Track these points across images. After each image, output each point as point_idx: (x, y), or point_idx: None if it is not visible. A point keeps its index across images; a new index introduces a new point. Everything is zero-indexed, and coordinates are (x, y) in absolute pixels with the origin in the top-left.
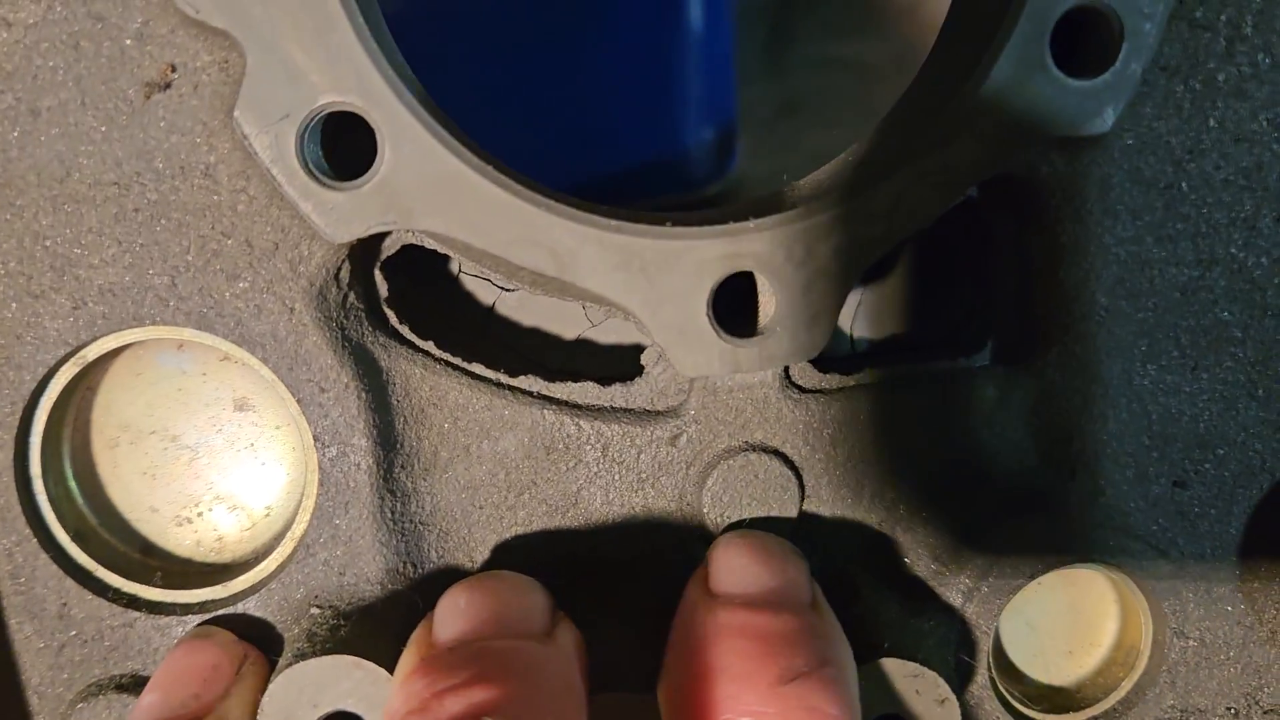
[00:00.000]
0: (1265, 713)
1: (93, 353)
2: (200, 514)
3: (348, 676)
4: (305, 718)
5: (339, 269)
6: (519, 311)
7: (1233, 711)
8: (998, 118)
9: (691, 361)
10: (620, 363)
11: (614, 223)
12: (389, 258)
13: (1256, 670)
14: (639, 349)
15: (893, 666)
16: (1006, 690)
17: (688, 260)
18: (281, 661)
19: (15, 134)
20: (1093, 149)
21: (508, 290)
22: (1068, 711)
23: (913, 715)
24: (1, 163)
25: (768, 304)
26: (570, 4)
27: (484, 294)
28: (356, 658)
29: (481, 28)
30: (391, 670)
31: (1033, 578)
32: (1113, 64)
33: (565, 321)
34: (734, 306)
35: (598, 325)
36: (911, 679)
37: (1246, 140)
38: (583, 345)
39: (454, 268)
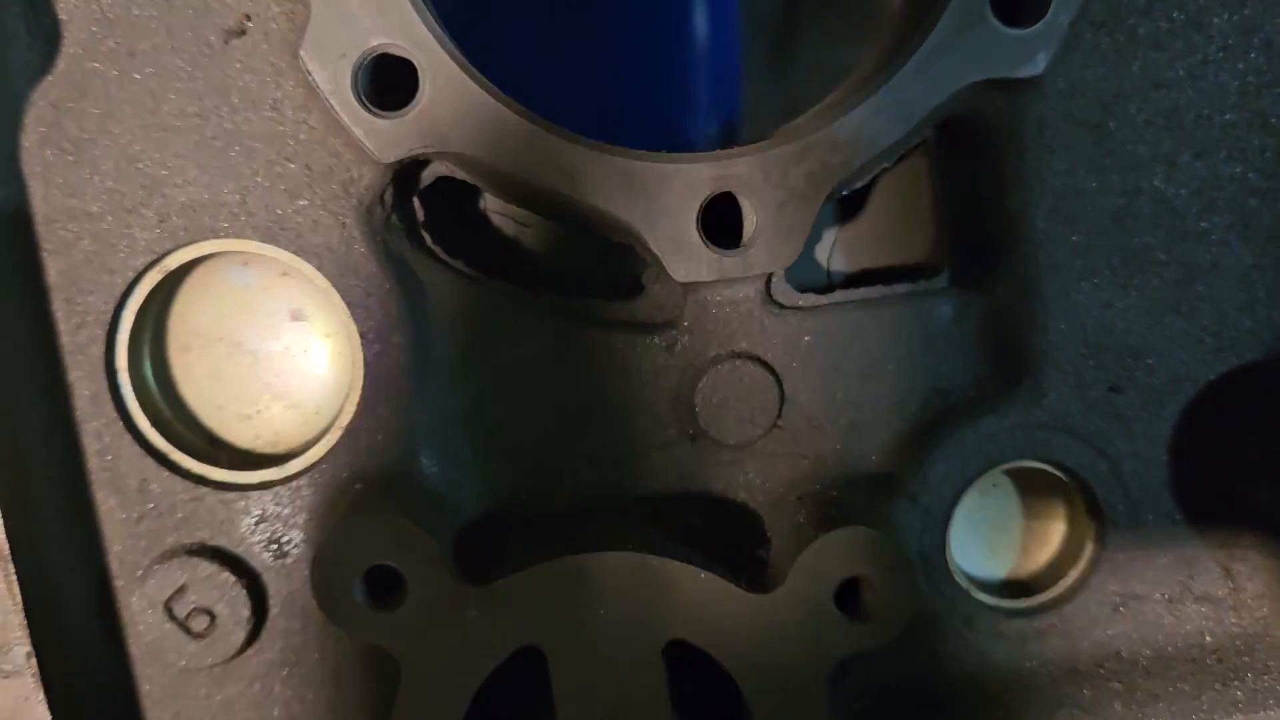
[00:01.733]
0: (1196, 599)
1: (173, 261)
2: (259, 411)
3: (389, 533)
4: (353, 569)
5: (384, 192)
6: (538, 244)
7: (1167, 597)
8: (946, 60)
9: (684, 269)
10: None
11: (618, 149)
12: (426, 187)
13: (1188, 561)
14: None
15: (860, 534)
16: (965, 577)
17: (680, 181)
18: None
19: (115, 72)
20: (1029, 91)
21: (526, 226)
22: (1020, 598)
23: (874, 578)
24: (104, 96)
25: (749, 220)
26: (583, 6)
27: (508, 229)
28: (397, 517)
29: (492, 26)
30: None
31: (983, 472)
32: (1044, 16)
33: (577, 252)
34: (722, 225)
35: (605, 257)
36: (873, 545)
37: (1165, 86)
38: (592, 274)
39: (481, 205)
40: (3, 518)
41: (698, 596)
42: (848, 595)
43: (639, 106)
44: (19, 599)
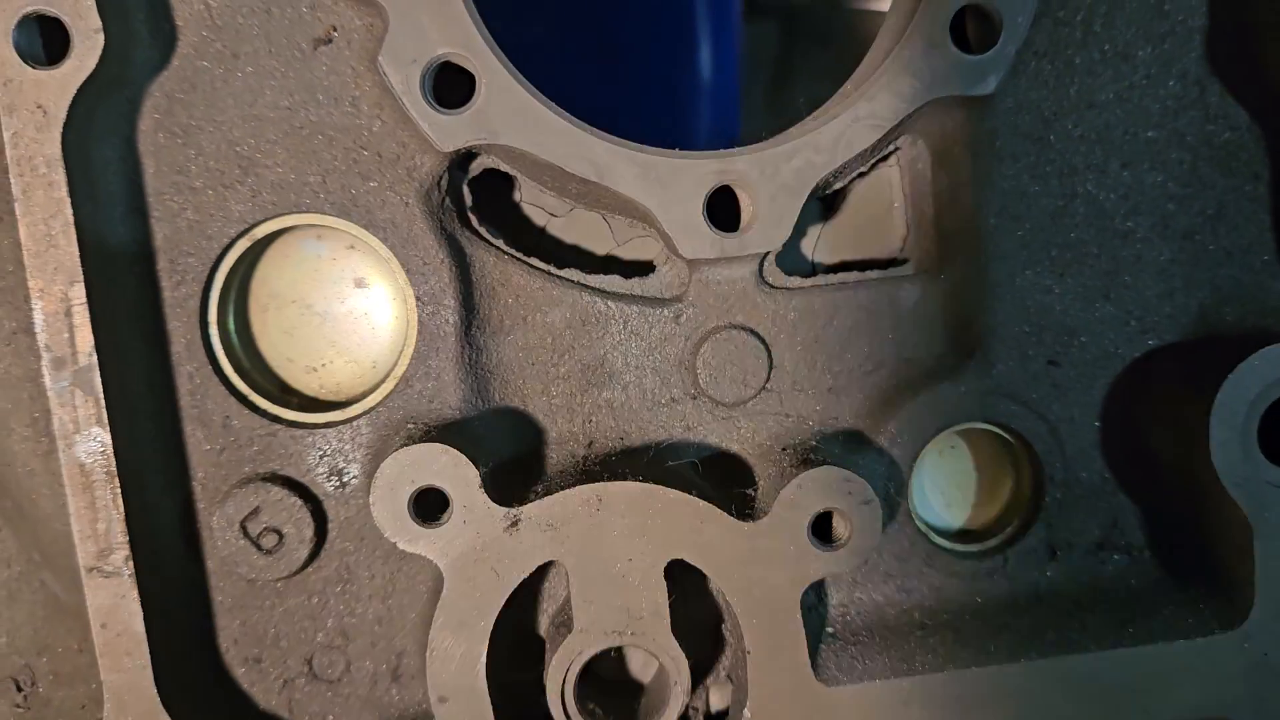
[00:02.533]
0: (1120, 547)
1: (261, 231)
2: (324, 365)
3: (436, 459)
4: (405, 489)
5: (441, 178)
6: (563, 232)
7: (1097, 544)
8: (912, 80)
9: (691, 247)
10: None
11: (638, 145)
12: (473, 178)
13: (1114, 513)
14: (649, 263)
15: (831, 472)
16: (925, 524)
17: (690, 174)
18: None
19: (220, 70)
20: (982, 108)
21: (555, 217)
22: (971, 544)
23: (844, 511)
24: (209, 90)
25: (746, 208)
26: (595, 45)
27: (538, 218)
28: (444, 445)
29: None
30: None
31: (940, 430)
32: (995, 45)
33: (597, 240)
34: (724, 215)
35: (622, 244)
36: (845, 483)
37: (1097, 106)
38: (609, 259)
39: (516, 197)
40: (112, 443)
41: (695, 522)
42: (821, 527)
43: (647, 136)
44: (122, 511)
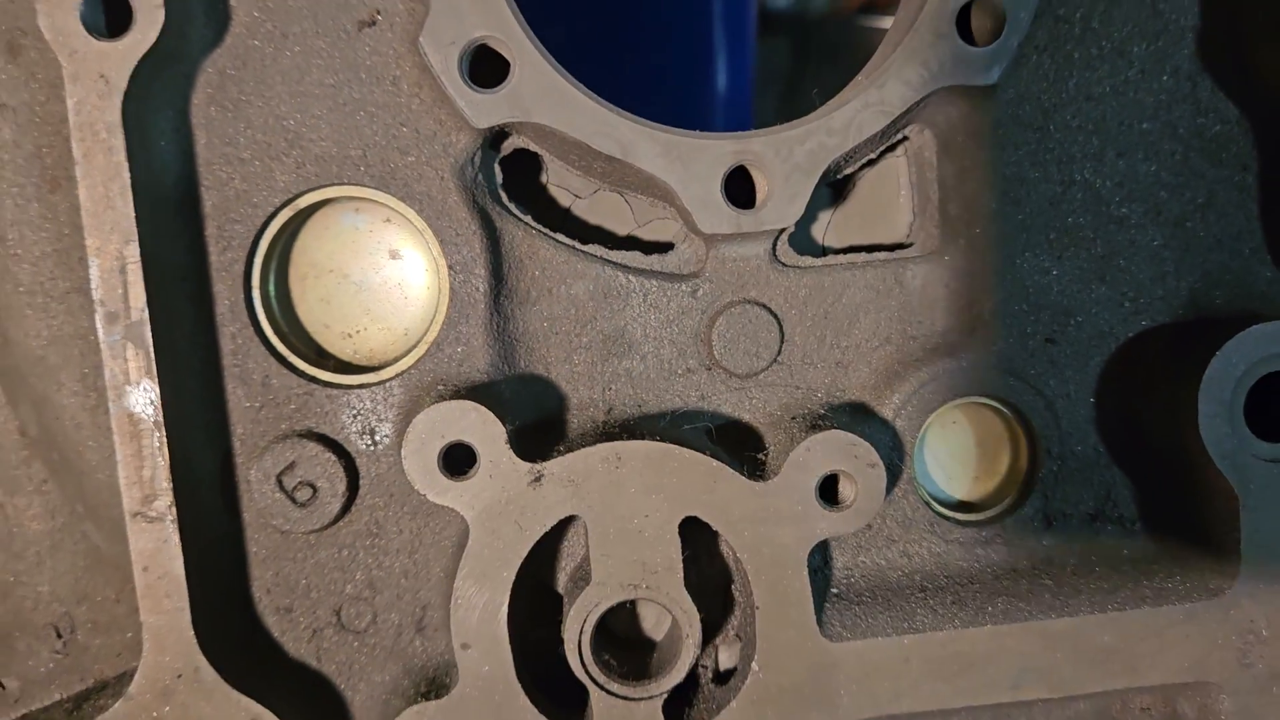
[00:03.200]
0: (1113, 518)
1: (303, 202)
2: (359, 331)
3: (465, 416)
4: (435, 444)
5: (475, 154)
6: (587, 214)
7: (1090, 515)
8: (919, 69)
9: (709, 222)
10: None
11: (662, 126)
12: (504, 157)
13: (1107, 486)
14: (668, 243)
15: (839, 436)
16: (928, 495)
17: (709, 153)
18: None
19: (270, 49)
20: (986, 98)
21: (579, 198)
22: (970, 514)
23: (850, 474)
24: (259, 68)
25: (761, 188)
26: (615, 57)
27: (564, 199)
28: (474, 401)
29: None
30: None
31: (942, 404)
32: (998, 38)
33: (618, 221)
34: (742, 195)
35: (642, 225)
36: (851, 446)
37: (1094, 99)
38: (630, 238)
39: (544, 179)
40: (160, 396)
41: (709, 481)
42: (828, 489)
43: None
44: (167, 459)
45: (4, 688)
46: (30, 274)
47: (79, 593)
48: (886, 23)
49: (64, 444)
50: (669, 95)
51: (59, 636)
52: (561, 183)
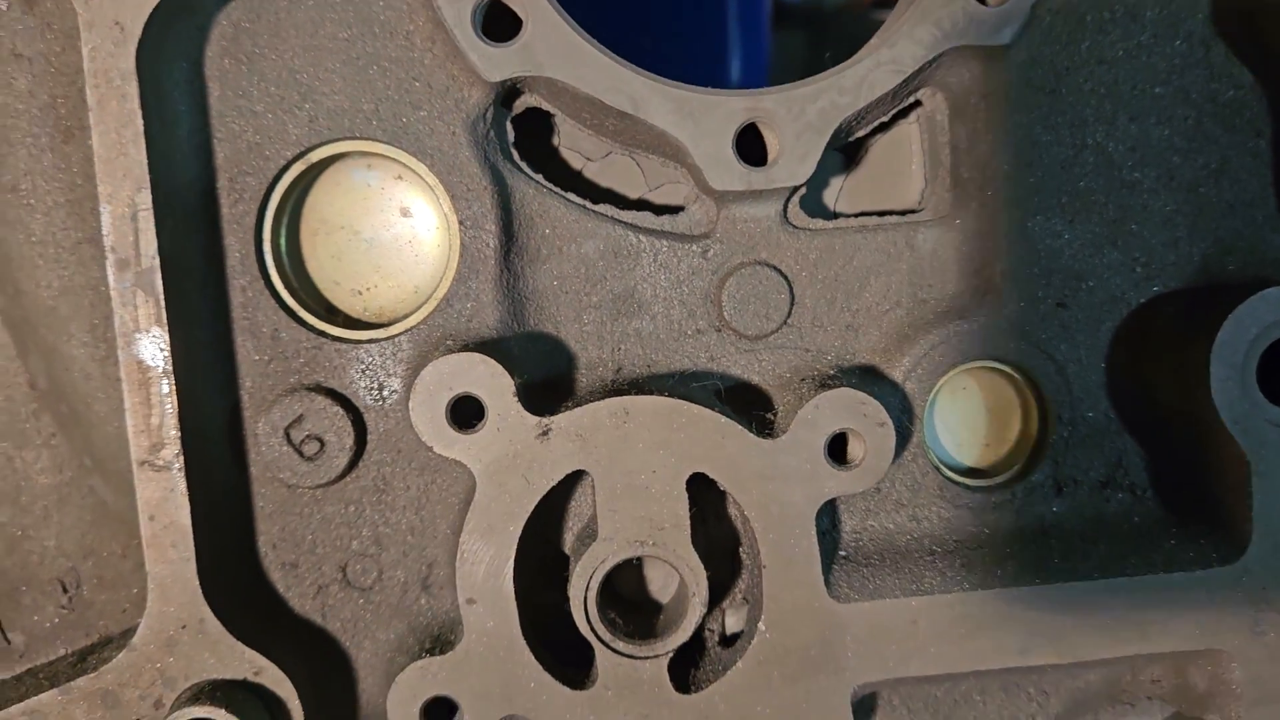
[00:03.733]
0: (1123, 486)
1: (315, 155)
2: (369, 288)
3: (474, 368)
4: (444, 396)
5: (487, 110)
6: (598, 176)
7: (1100, 482)
8: (932, 28)
9: (720, 179)
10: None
11: (674, 82)
12: (517, 115)
13: (1118, 451)
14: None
15: (849, 394)
16: (938, 460)
17: (721, 110)
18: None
19: (285, 2)
20: (998, 60)
21: (591, 161)
22: (980, 479)
23: (859, 432)
24: (273, 21)
25: (772, 146)
26: (629, 49)
27: (575, 161)
28: (482, 355)
29: None
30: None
31: (953, 367)
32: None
33: (629, 185)
34: (754, 154)
35: (653, 189)
36: (860, 405)
37: (1107, 62)
38: (641, 202)
39: (555, 140)
40: (170, 344)
41: (717, 437)
42: (837, 449)
43: None
44: (175, 408)
45: (9, 642)
46: (43, 224)
47: (85, 548)
48: None
49: (73, 396)
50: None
51: (65, 591)
52: (574, 145)
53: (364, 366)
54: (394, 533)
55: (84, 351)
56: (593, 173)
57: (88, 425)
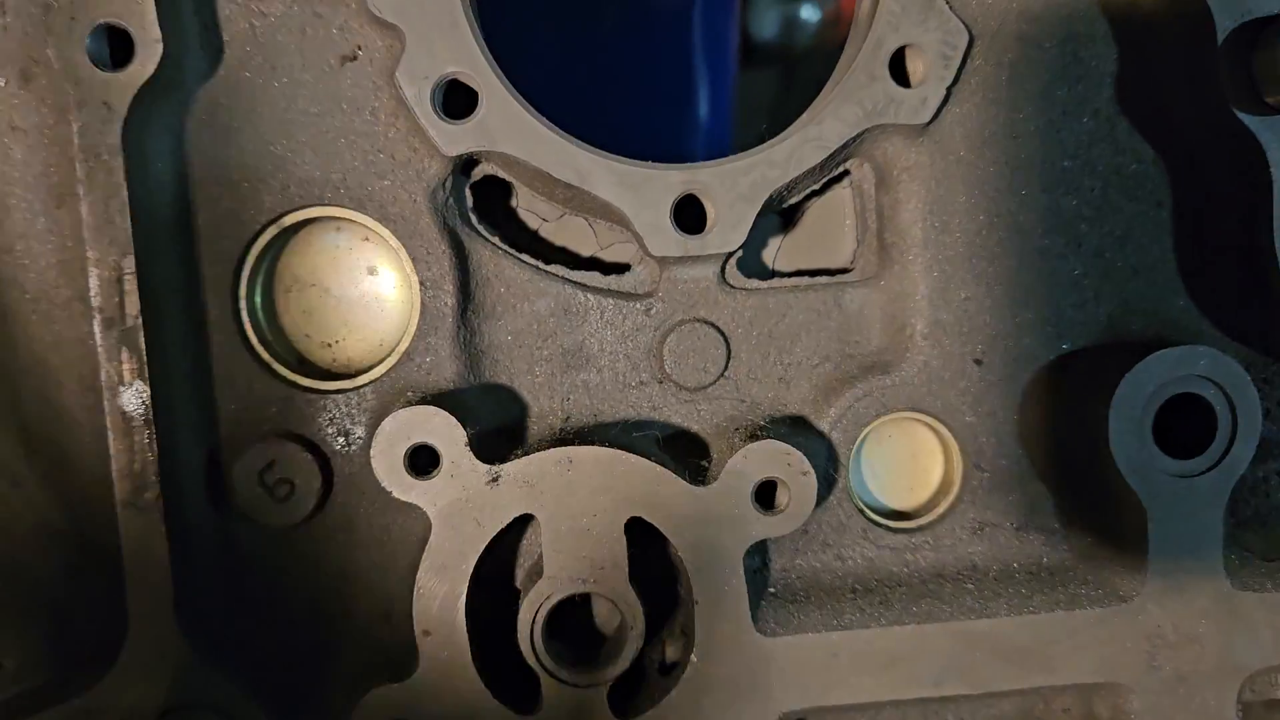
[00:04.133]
0: (1037, 529)
1: (288, 220)
2: (338, 341)
3: (430, 420)
4: (402, 445)
5: (445, 180)
6: (553, 236)
7: (1015, 526)
8: (854, 108)
9: (659, 246)
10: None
11: (616, 157)
12: (475, 183)
13: (1031, 498)
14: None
15: (774, 445)
16: (862, 503)
17: (660, 183)
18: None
19: (260, 81)
20: (918, 135)
21: (546, 221)
22: (904, 521)
23: (784, 480)
24: (250, 97)
25: (709, 214)
26: (594, 86)
27: (532, 222)
28: (437, 407)
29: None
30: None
31: (878, 417)
32: (927, 82)
33: (582, 243)
34: (692, 221)
35: (604, 249)
36: (785, 455)
37: (1019, 137)
38: (592, 259)
39: (513, 203)
40: (152, 395)
41: (653, 484)
42: (765, 495)
43: None
44: (156, 453)
45: (3, 666)
46: (35, 282)
47: (71, 582)
48: None
49: (62, 440)
50: (650, 124)
51: (53, 622)
52: (530, 207)
53: (331, 415)
54: (357, 569)
55: (72, 400)
56: (548, 232)
57: (75, 469)
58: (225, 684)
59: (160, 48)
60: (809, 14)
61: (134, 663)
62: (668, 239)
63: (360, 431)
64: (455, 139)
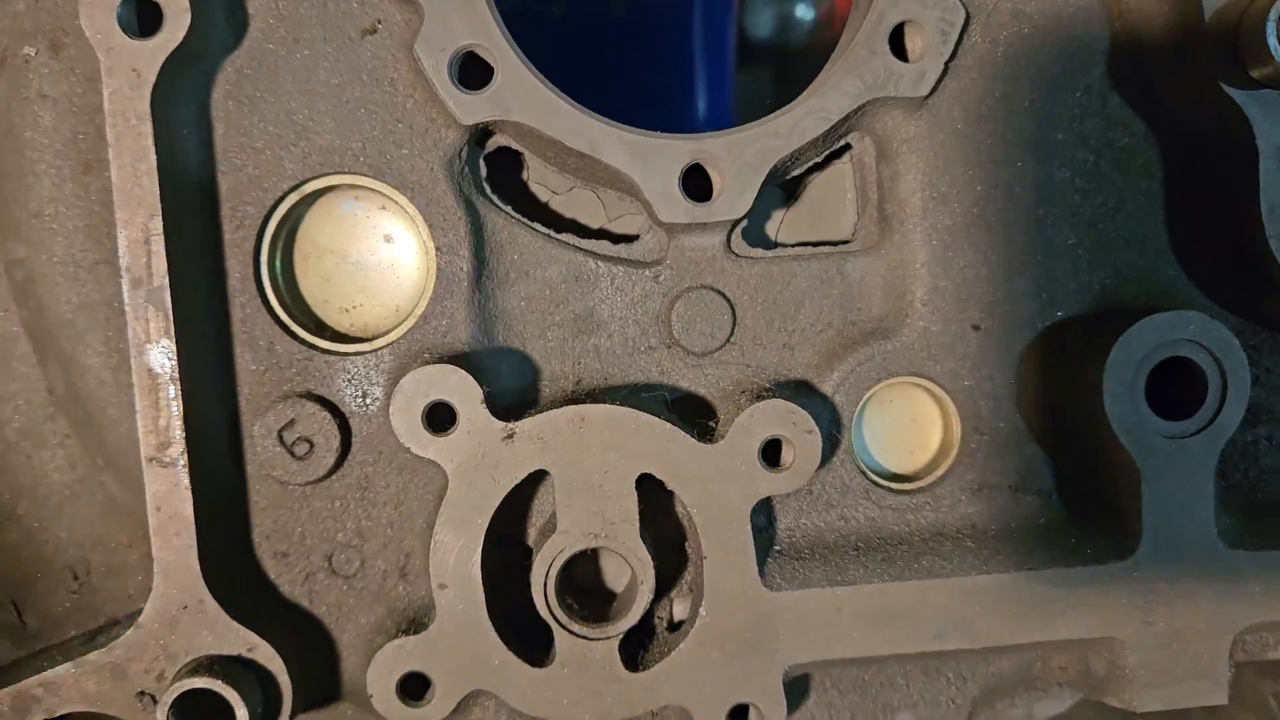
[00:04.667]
0: (1033, 490)
1: (308, 187)
2: (356, 307)
3: (447, 378)
4: (420, 403)
5: (461, 150)
6: (563, 208)
7: (1012, 486)
8: (855, 81)
9: (668, 212)
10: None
11: (627, 126)
12: (489, 154)
13: (1028, 459)
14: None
15: (780, 404)
16: (865, 465)
17: (669, 151)
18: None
19: (283, 52)
20: (917, 108)
21: (557, 194)
22: (904, 483)
23: (789, 438)
24: (272, 68)
25: (715, 183)
26: (595, 85)
27: (543, 195)
28: (455, 366)
29: None
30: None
31: (877, 382)
32: (927, 55)
33: (591, 216)
34: (699, 190)
35: (612, 220)
36: (790, 414)
37: (1015, 112)
38: (601, 231)
39: (525, 176)
40: (177, 354)
41: (663, 441)
42: (771, 454)
43: None
44: (181, 411)
45: (25, 624)
46: (63, 246)
47: (95, 539)
48: None
49: (87, 401)
50: (649, 122)
51: (75, 579)
52: (541, 180)
53: (350, 376)
54: (375, 526)
55: (98, 360)
56: (558, 205)
57: (100, 427)
58: (247, 635)
59: (188, 17)
60: (804, 13)
61: (158, 616)
62: (676, 206)
63: (378, 392)
64: (471, 108)
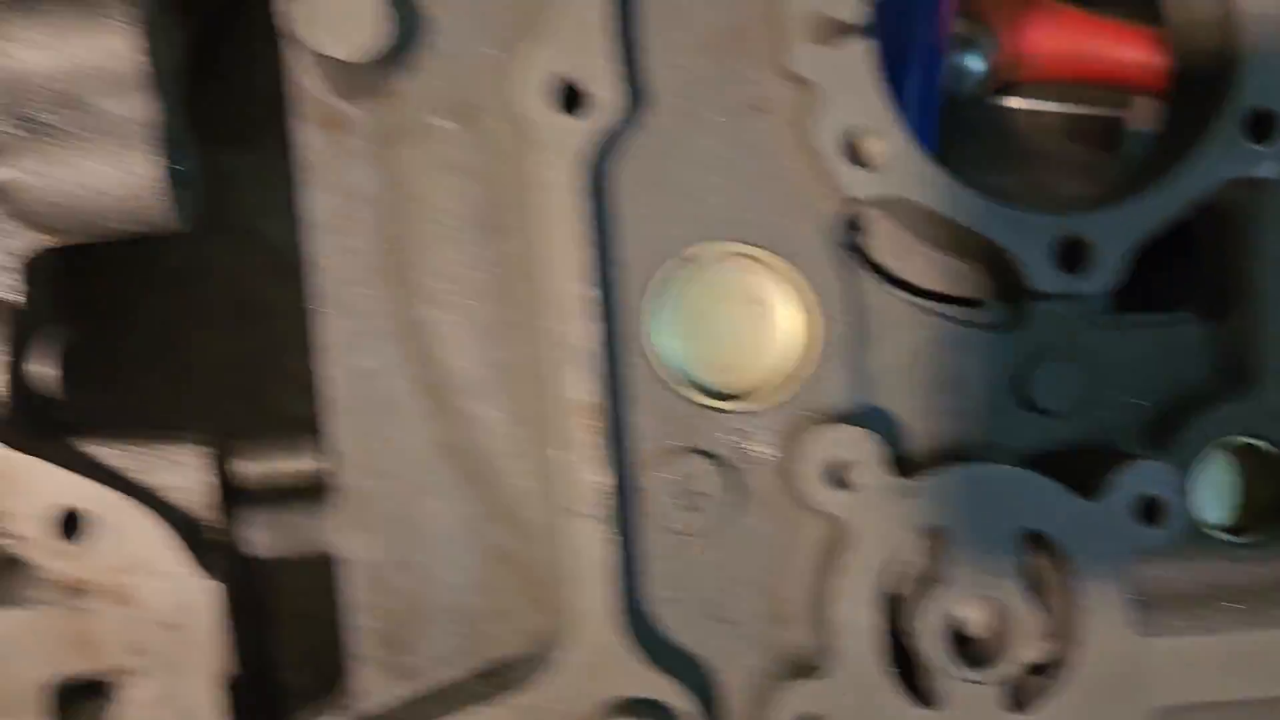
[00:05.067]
0: None
1: (696, 252)
2: (732, 366)
3: (846, 436)
4: (820, 459)
5: (842, 221)
6: (913, 275)
7: None
8: (1213, 164)
9: (1043, 281)
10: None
11: (1001, 201)
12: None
13: None
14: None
15: (1154, 465)
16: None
17: (1043, 225)
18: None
19: (678, 127)
20: (1263, 189)
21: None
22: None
23: (1161, 497)
24: (667, 142)
25: (1088, 255)
26: None
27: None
28: (852, 427)
29: None
30: None
31: (1218, 441)
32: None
33: (944, 283)
34: (1070, 260)
35: (966, 288)
36: (1162, 474)
37: None
38: (955, 298)
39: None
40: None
41: (1049, 498)
42: (1145, 509)
43: None
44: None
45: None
46: (468, 309)
47: (482, 585)
48: (1017, 103)
49: (480, 454)
50: None
51: (460, 621)
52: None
53: (737, 433)
54: (759, 574)
55: (498, 416)
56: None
57: (492, 479)
58: (658, 679)
59: (614, 103)
60: (974, 64)
61: (575, 660)
62: (1048, 276)
63: (765, 449)
64: (863, 184)
